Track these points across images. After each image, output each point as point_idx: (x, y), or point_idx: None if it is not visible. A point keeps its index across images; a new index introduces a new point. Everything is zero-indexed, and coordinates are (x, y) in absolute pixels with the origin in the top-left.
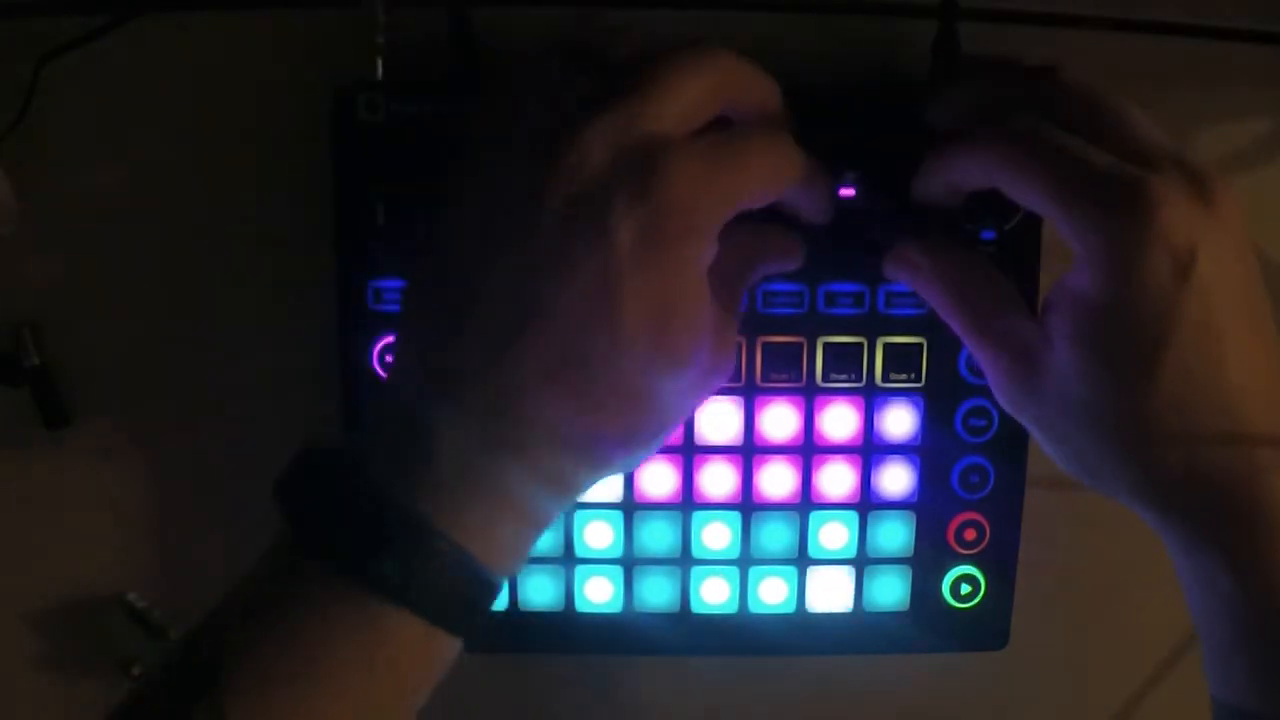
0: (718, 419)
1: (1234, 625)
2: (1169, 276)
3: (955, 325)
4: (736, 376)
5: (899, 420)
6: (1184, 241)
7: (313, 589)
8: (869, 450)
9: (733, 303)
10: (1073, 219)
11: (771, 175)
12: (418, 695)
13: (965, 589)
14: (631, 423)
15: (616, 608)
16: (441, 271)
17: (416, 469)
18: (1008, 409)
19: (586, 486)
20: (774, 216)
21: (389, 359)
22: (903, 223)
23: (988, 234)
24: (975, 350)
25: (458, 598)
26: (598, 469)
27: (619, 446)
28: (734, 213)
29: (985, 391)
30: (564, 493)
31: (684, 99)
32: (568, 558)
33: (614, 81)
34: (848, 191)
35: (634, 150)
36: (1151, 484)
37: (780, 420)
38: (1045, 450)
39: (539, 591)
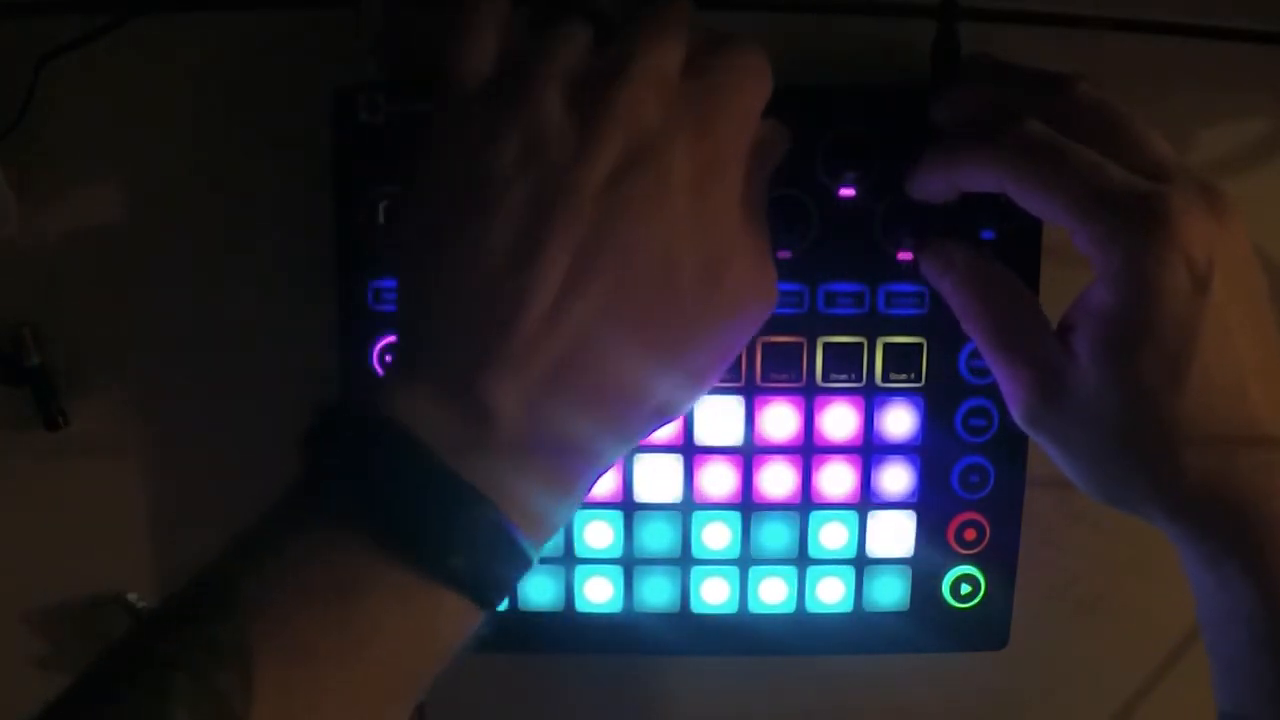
0: (718, 419)
1: (1247, 637)
2: (1189, 289)
3: (979, 341)
4: (736, 376)
5: (899, 420)
6: (1202, 255)
7: (363, 565)
8: (869, 450)
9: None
10: (1092, 233)
11: (765, 72)
12: (445, 662)
13: (965, 589)
14: (686, 365)
15: (616, 608)
16: (485, 239)
17: (476, 443)
18: (1028, 428)
19: (641, 435)
20: None
21: (389, 359)
22: (903, 222)
23: (987, 234)
24: (998, 368)
25: (502, 575)
26: (652, 417)
27: (676, 390)
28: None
29: (985, 391)
30: (623, 442)
31: (678, 34)
32: (568, 558)
33: (611, 30)
34: (848, 191)
35: (673, 92)
36: (1176, 496)
37: (780, 420)
38: (1063, 470)
39: (539, 591)
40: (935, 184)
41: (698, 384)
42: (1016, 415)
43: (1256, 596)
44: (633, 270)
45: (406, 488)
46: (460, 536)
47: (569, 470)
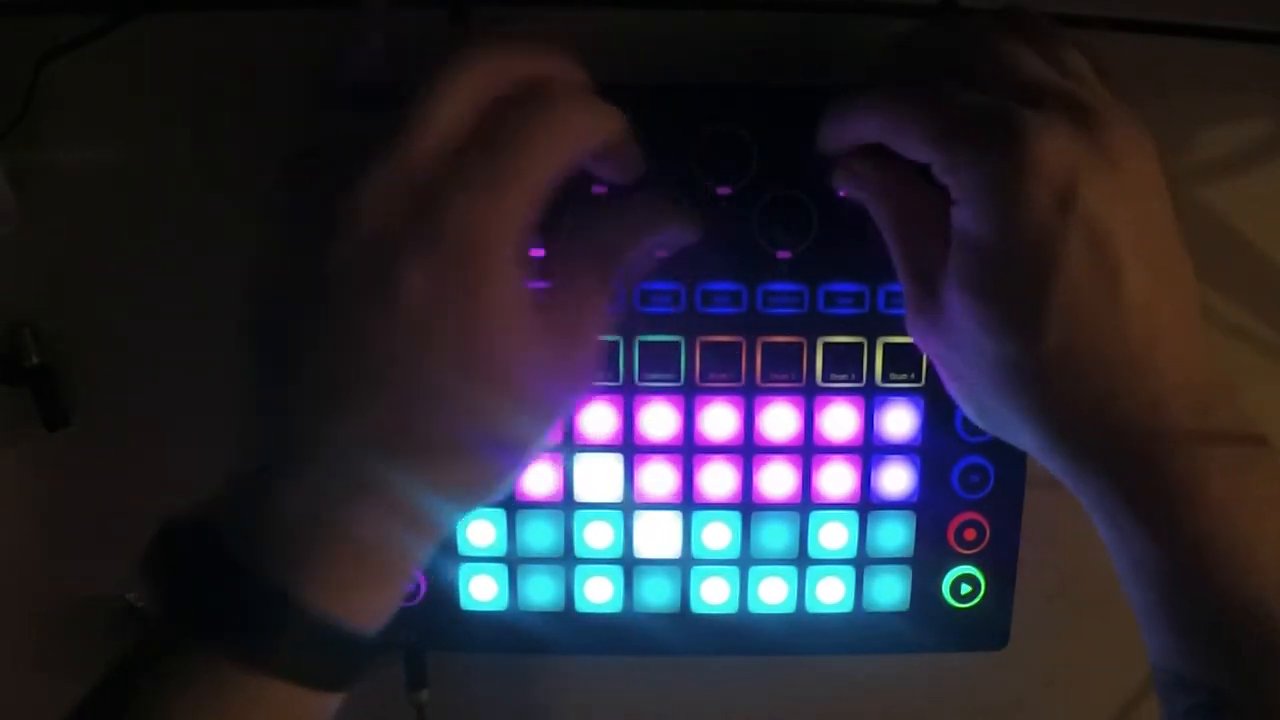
0: (718, 419)
1: (1153, 588)
2: (1049, 210)
3: (890, 249)
4: (737, 377)
5: (899, 420)
6: (1062, 173)
7: (185, 664)
8: (869, 450)
9: (591, 305)
10: (947, 157)
11: (560, 152)
12: None
13: (965, 589)
14: (479, 461)
15: (616, 608)
16: (269, 339)
17: (270, 536)
18: (916, 342)
19: (453, 520)
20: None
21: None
22: None
23: None
24: (899, 274)
25: (326, 659)
26: (457, 506)
27: (476, 485)
28: (531, 214)
29: None
30: (426, 534)
31: (446, 115)
32: (568, 558)
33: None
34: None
35: (407, 198)
36: (1055, 438)
37: (780, 420)
38: (950, 393)
39: (539, 591)
40: (830, 134)
41: (504, 474)
42: (908, 330)
43: (1154, 548)
44: (367, 391)
45: (202, 588)
46: (279, 637)
47: (381, 563)
